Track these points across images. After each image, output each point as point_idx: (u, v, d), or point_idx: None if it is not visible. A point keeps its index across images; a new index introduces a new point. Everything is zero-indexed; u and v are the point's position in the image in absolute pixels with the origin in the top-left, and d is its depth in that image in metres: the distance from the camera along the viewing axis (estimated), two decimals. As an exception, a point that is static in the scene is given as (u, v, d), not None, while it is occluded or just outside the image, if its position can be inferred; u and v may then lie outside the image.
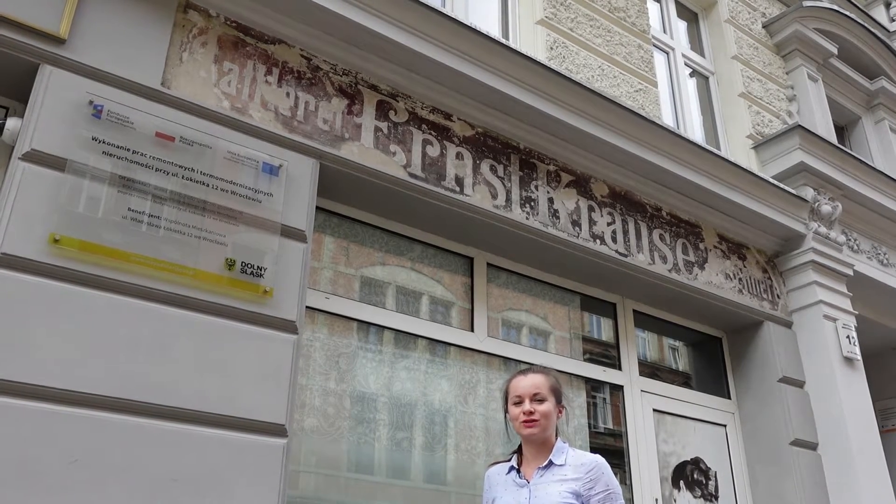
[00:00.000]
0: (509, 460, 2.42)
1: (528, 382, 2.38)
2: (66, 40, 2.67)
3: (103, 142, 2.63)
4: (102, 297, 2.47)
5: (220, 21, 3.12)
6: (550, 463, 2.30)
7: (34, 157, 2.49)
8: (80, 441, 2.29)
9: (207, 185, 2.82)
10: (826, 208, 5.09)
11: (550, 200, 3.95)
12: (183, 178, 2.77)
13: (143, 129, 2.73)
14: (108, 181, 2.60)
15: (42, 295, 2.37)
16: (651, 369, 4.57)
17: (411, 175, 3.44)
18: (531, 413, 2.32)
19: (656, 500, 4.10)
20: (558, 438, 2.38)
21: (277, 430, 2.67)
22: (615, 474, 2.36)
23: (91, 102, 2.64)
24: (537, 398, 2.34)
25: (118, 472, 2.32)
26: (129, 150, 2.68)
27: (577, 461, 2.29)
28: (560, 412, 2.40)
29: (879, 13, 7.92)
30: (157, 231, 2.65)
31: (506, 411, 2.46)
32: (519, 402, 2.36)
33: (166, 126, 2.79)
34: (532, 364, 2.65)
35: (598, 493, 2.22)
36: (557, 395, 2.40)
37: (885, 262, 5.66)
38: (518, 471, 2.35)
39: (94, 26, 2.77)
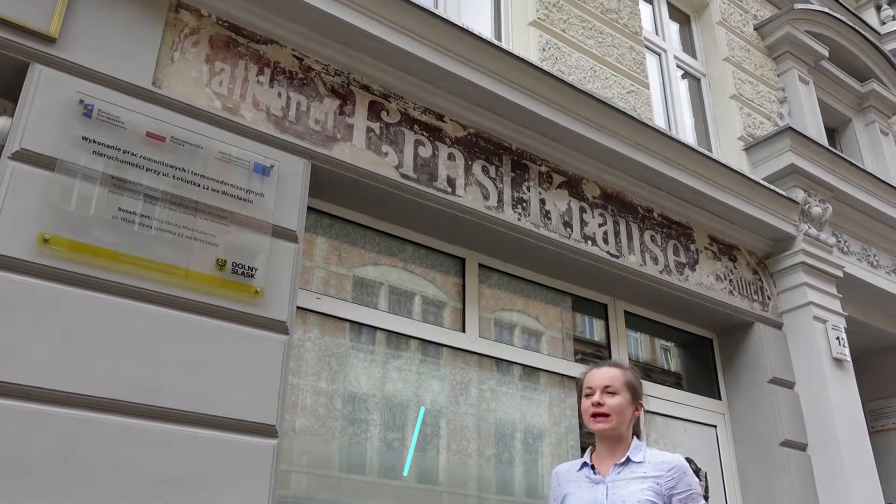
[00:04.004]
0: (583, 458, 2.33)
1: (602, 374, 2.29)
2: (56, 39, 2.66)
3: (94, 141, 2.62)
4: (93, 297, 2.47)
5: (212, 21, 3.11)
6: (628, 460, 2.20)
7: (24, 156, 2.48)
8: (69, 442, 2.28)
9: (199, 186, 2.81)
10: (816, 210, 5.11)
11: (542, 201, 3.96)
12: (174, 178, 2.76)
13: (134, 129, 2.73)
14: (99, 181, 2.59)
15: (31, 295, 2.36)
16: (642, 370, 4.58)
17: (403, 176, 3.45)
18: (600, 405, 2.23)
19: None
20: (635, 437, 2.29)
21: (268, 431, 2.66)
22: None
23: (81, 102, 2.63)
24: (609, 391, 2.25)
25: (108, 472, 2.32)
26: (119, 149, 2.67)
27: (656, 459, 2.20)
28: (637, 409, 2.29)
29: (870, 16, 7.96)
30: (148, 231, 2.64)
31: (580, 405, 2.36)
32: (590, 395, 2.28)
33: (157, 126, 2.79)
34: (600, 362, 2.47)
35: (681, 493, 2.14)
36: (633, 391, 2.29)
37: (874, 263, 5.69)
38: (592, 467, 2.25)
39: (84, 25, 2.76)
